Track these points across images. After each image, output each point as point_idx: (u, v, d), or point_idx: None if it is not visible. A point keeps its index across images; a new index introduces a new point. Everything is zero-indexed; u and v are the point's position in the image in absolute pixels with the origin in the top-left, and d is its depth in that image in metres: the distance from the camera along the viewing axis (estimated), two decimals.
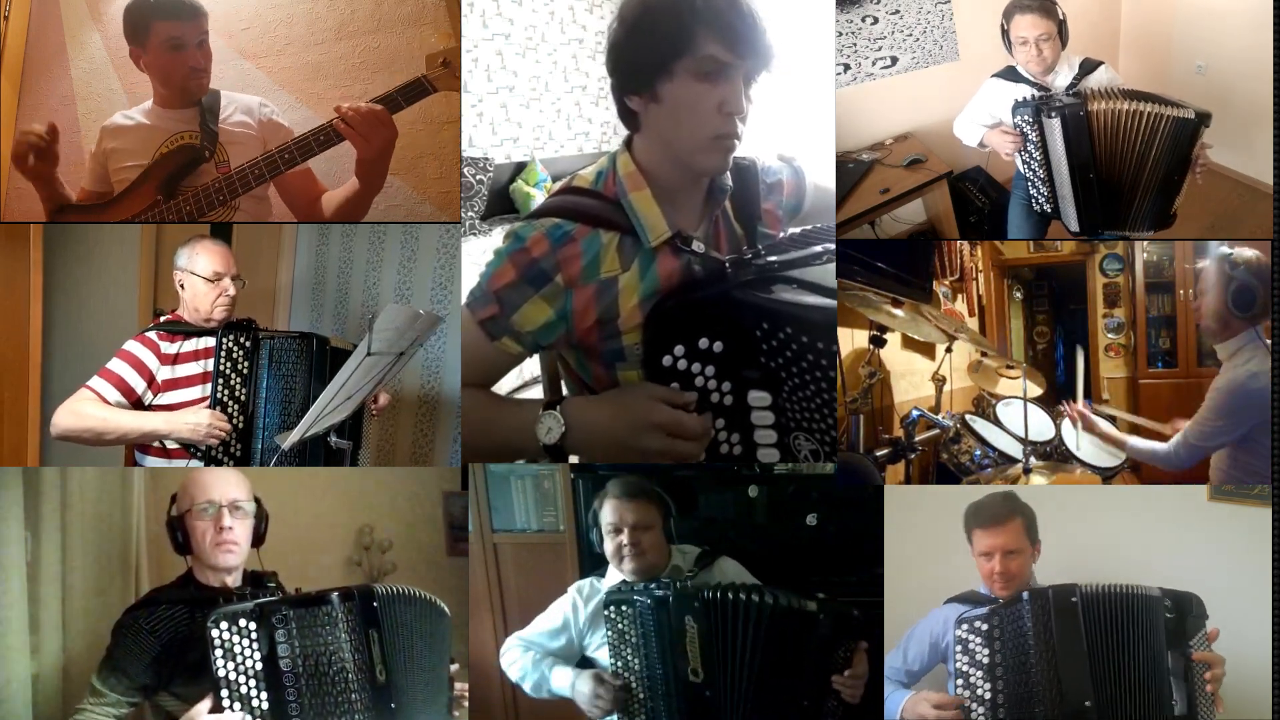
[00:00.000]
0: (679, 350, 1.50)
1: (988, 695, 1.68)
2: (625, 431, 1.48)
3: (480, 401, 1.62)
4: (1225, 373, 2.11)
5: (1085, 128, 2.06)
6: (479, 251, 3.63)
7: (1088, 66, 2.19)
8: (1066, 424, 2.64)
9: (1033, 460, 2.46)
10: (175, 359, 2.13)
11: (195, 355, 2.16)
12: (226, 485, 1.70)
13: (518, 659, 1.86)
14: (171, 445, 2.12)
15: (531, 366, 2.12)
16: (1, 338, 2.47)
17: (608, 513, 1.78)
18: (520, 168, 4.23)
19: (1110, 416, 2.62)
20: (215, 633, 1.48)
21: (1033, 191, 2.20)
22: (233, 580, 1.70)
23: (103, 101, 2.13)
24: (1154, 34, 2.35)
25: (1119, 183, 2.09)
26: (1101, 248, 3.33)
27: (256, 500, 1.74)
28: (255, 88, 2.12)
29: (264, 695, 1.48)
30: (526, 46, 4.26)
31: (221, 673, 1.48)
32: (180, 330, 2.15)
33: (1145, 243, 3.21)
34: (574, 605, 1.86)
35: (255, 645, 1.49)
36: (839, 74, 2.34)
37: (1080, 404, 2.59)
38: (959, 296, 3.28)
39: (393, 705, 1.55)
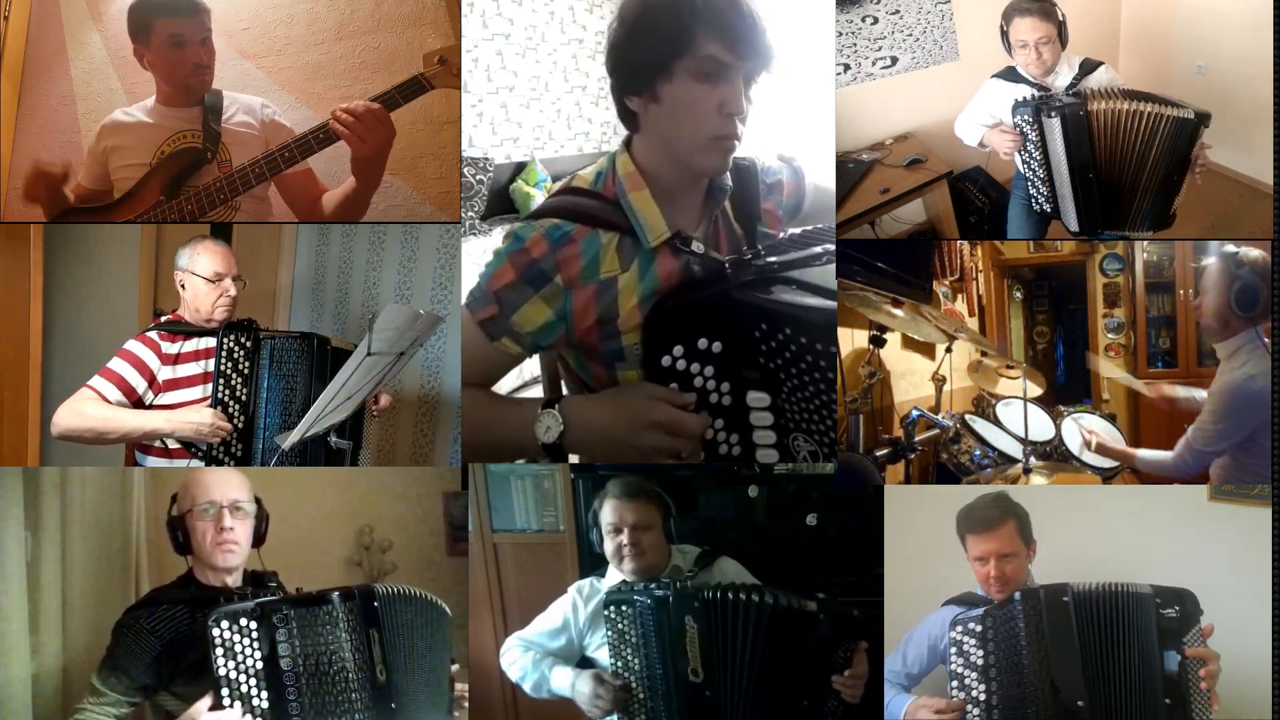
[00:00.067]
0: (678, 350, 1.50)
1: (982, 696, 1.68)
2: (624, 430, 1.48)
3: (480, 401, 1.62)
4: (1222, 375, 2.10)
5: (1085, 128, 2.06)
6: (479, 251, 3.62)
7: (1088, 67, 2.19)
8: (1066, 424, 2.64)
9: (1033, 460, 2.46)
10: (176, 359, 2.13)
11: (196, 355, 2.16)
12: (227, 485, 1.70)
13: (518, 659, 1.86)
14: (173, 445, 2.12)
15: (531, 366, 2.12)
16: (1, 338, 2.46)
17: (608, 513, 1.78)
18: (520, 168, 4.23)
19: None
20: (216, 632, 1.48)
21: (1033, 191, 2.19)
22: (233, 580, 1.70)
23: (103, 101, 2.13)
24: (1154, 34, 2.35)
25: (1119, 183, 2.09)
26: (1101, 248, 3.33)
27: (257, 500, 1.74)
28: (255, 88, 2.12)
29: (264, 695, 1.48)
30: (526, 46, 4.25)
31: (222, 672, 1.48)
32: (181, 330, 2.15)
33: (1145, 243, 3.21)
34: (574, 605, 1.86)
35: (256, 645, 1.49)
36: (839, 74, 2.34)
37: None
38: (959, 296, 3.28)
39: (393, 705, 1.55)
